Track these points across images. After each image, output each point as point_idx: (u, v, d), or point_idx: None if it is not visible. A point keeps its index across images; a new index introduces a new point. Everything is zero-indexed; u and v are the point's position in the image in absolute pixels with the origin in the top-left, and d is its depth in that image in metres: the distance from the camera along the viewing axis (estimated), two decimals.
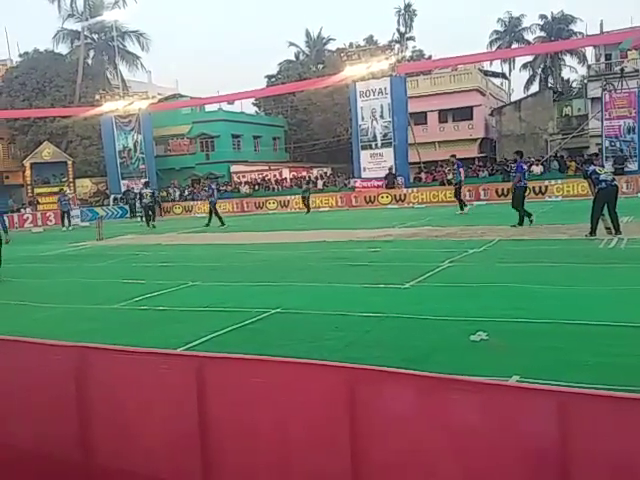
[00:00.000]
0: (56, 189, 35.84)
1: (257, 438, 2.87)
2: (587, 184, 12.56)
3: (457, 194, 20.68)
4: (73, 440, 3.37)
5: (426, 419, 2.48)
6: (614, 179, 12.32)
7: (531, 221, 14.54)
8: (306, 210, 28.16)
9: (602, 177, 11.83)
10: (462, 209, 20.36)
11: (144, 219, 26.28)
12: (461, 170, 20.40)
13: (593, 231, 11.75)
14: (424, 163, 35.94)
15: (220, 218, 22.89)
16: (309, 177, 37.53)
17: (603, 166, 12.38)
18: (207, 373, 2.97)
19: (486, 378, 2.87)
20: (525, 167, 15.57)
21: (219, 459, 2.96)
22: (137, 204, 32.53)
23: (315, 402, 2.70)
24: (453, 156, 16.86)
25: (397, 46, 47.98)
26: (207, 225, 22.74)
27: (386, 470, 2.57)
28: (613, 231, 11.75)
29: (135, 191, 34.05)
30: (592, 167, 12.28)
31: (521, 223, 14.57)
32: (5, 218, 13.15)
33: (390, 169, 31.47)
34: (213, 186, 24.14)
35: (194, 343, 5.76)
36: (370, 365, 2.77)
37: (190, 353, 3.91)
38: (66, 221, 28.56)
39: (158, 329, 6.62)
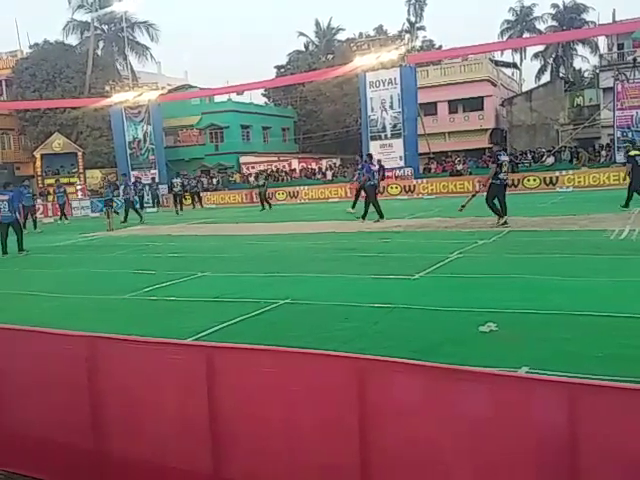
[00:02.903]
0: (66, 180, 35.98)
1: (266, 428, 2.89)
2: (493, 169, 13.26)
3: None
4: (85, 429, 3.40)
5: (435, 409, 2.49)
6: (507, 178, 13.68)
7: (379, 219, 15.66)
8: (261, 206, 25.56)
9: (501, 176, 13.05)
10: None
11: (174, 207, 27.56)
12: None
13: (501, 216, 12.95)
14: (434, 154, 35.79)
15: (126, 216, 22.68)
16: (266, 171, 36.76)
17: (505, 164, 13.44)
18: (217, 363, 2.98)
19: (495, 369, 2.87)
20: (373, 168, 16.51)
21: (229, 448, 2.98)
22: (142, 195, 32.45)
23: (325, 392, 2.71)
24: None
25: (407, 36, 47.41)
26: (124, 221, 22.25)
27: (395, 459, 2.58)
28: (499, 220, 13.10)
29: (144, 182, 34.01)
30: (503, 158, 13.22)
31: (379, 217, 15.85)
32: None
33: (379, 162, 31.43)
34: (130, 182, 23.96)
35: (204, 333, 5.78)
36: (379, 356, 2.78)
37: (200, 343, 3.93)
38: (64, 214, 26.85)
39: (168, 319, 6.65)
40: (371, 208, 16.04)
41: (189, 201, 32.27)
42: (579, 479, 2.26)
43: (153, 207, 32.44)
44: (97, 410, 3.35)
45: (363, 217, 16.08)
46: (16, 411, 3.72)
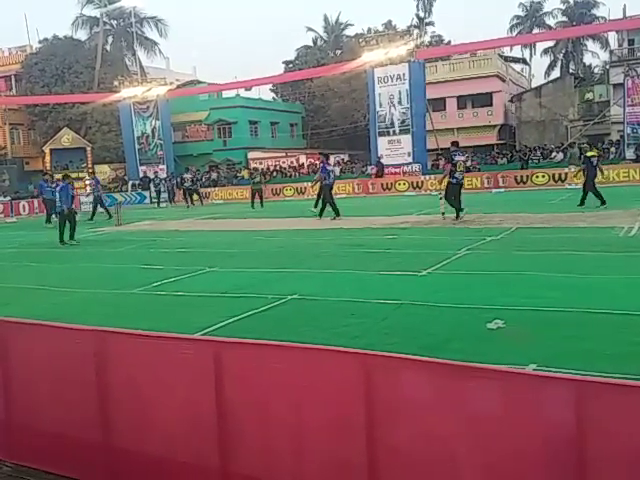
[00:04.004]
0: (75, 175, 36.06)
1: (274, 423, 2.89)
2: (447, 169, 13.83)
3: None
4: (93, 423, 3.42)
5: (443, 406, 2.48)
6: (463, 177, 14.30)
7: (333, 217, 16.19)
8: (252, 203, 24.52)
9: (457, 175, 13.74)
10: (337, 214, 16.46)
11: (186, 201, 28.62)
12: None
13: (458, 215, 13.77)
14: (442, 150, 35.65)
15: (93, 214, 22.59)
16: (262, 167, 36.31)
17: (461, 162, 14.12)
18: (225, 358, 2.99)
19: (503, 366, 2.86)
20: (329, 168, 16.98)
21: (236, 442, 2.99)
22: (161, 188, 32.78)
23: (332, 388, 2.71)
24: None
25: (416, 31, 47.32)
26: (91, 220, 21.80)
27: (403, 457, 2.58)
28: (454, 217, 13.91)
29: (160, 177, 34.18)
30: (458, 158, 13.80)
31: (337, 214, 16.30)
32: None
33: (379, 158, 31.44)
34: (99, 180, 24.14)
35: (212, 328, 5.80)
36: (387, 352, 2.77)
37: (208, 338, 3.94)
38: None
39: (176, 314, 6.67)
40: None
41: (197, 197, 32.23)
42: (587, 477, 2.25)
43: (165, 202, 32.43)
44: (105, 404, 3.37)
45: (320, 215, 16.59)
46: (25, 405, 3.74)
